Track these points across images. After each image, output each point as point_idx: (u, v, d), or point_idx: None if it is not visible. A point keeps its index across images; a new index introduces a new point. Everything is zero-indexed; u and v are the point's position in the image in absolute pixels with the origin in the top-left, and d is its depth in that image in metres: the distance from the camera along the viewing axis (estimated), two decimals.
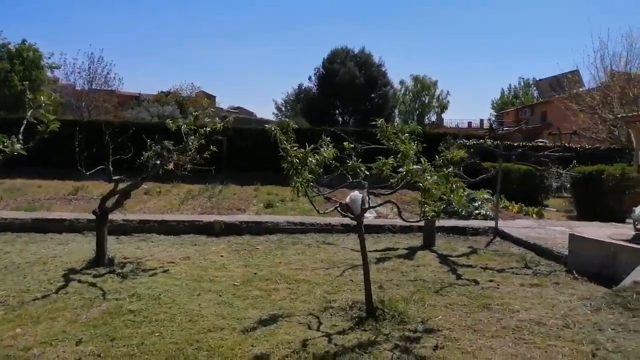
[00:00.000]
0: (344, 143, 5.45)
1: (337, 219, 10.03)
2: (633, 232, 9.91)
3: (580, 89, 24.20)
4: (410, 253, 8.14)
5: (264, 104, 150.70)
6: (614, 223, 11.19)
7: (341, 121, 43.73)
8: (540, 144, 24.14)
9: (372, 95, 44.52)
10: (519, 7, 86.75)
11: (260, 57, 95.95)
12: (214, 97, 45.14)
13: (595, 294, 5.79)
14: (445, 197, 4.36)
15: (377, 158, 4.56)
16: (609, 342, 4.34)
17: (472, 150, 7.73)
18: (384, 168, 4.35)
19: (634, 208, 10.74)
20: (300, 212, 12.43)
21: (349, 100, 43.12)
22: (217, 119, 7.53)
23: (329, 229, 9.83)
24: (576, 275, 6.66)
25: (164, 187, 15.68)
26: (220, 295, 5.59)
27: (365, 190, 4.89)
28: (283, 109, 56.49)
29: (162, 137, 7.17)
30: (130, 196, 7.28)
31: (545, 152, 9.77)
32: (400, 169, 4.33)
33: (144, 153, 6.99)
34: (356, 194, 11.97)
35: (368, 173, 4.58)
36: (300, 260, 7.46)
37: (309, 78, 47.04)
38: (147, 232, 9.18)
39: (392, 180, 4.32)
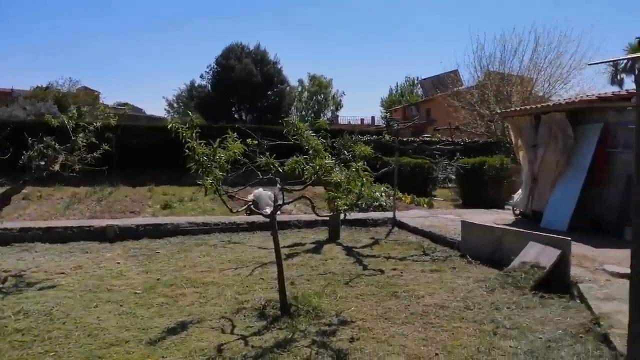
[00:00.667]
0: (248, 139, 5.30)
1: (242, 218, 9.84)
2: (513, 217, 10.98)
3: (461, 87, 26.21)
4: (318, 247, 8.23)
5: (153, 101, 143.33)
6: (495, 209, 12.30)
7: (237, 118, 43.08)
8: (427, 138, 25.84)
9: (269, 92, 44.42)
10: (408, 14, 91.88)
11: (149, 51, 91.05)
12: (98, 92, 41.98)
13: (489, 275, 6.29)
14: (356, 191, 4.43)
15: (286, 157, 4.52)
16: (506, 320, 4.72)
17: (372, 145, 7.98)
18: (296, 166, 4.30)
19: (512, 195, 11.90)
20: (202, 212, 12.02)
21: (245, 97, 42.59)
22: (110, 112, 6.95)
23: (234, 228, 9.60)
24: (470, 259, 7.18)
25: (45, 190, 14.25)
26: (120, 306, 5.18)
27: (278, 187, 4.80)
28: (175, 105, 54.23)
29: (45, 136, 6.46)
30: (10, 202, 6.48)
31: (438, 146, 10.45)
32: (311, 164, 4.31)
33: (24, 153, 6.24)
34: (260, 191, 11.88)
35: (281, 170, 4.50)
36: (206, 262, 7.19)
37: (201, 76, 45.72)
38: (29, 241, 8.26)
39: (306, 175, 4.29)
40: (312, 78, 60.68)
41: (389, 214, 10.71)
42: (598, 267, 6.18)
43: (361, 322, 4.74)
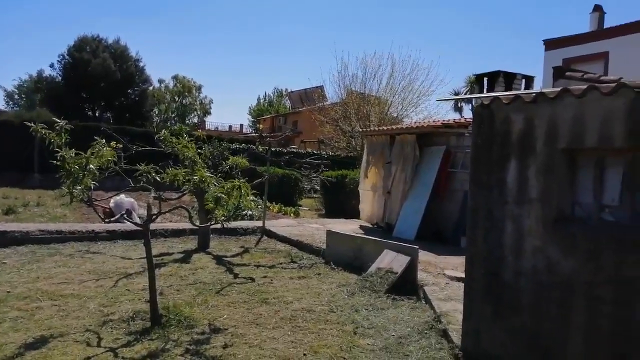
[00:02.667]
0: (112, 142, 5.16)
1: (102, 226, 9.29)
2: (370, 226, 11.98)
3: (326, 103, 27.61)
4: (186, 256, 8.14)
5: None
6: (355, 219, 13.27)
7: (91, 116, 39.82)
8: (294, 149, 26.70)
9: (129, 91, 41.86)
10: (278, 26, 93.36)
11: None
12: None
13: (350, 280, 6.88)
14: (235, 203, 4.61)
15: (154, 161, 4.53)
16: (365, 320, 5.27)
17: (246, 155, 8.21)
18: (176, 177, 4.35)
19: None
20: (52, 219, 11.05)
21: (102, 94, 39.56)
22: None
23: (92, 236, 9.01)
24: (333, 266, 7.75)
25: None
26: None
27: (152, 195, 4.76)
28: (17, 97, 48.25)
29: None
30: None
31: (308, 159, 11.03)
32: (193, 177, 4.40)
33: None
34: (122, 198, 11.28)
35: (159, 179, 4.50)
36: (63, 273, 6.70)
37: (51, 65, 41.35)
38: None
39: (186, 186, 4.36)
40: (176, 78, 58.50)
41: (259, 223, 10.97)
42: (440, 272, 7.14)
43: (233, 329, 4.91)
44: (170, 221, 11.42)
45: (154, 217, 4.69)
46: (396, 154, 11.39)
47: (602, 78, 7.40)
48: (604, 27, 18.06)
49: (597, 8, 18.54)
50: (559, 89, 4.03)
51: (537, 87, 15.15)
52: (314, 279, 7.07)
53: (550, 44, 18.53)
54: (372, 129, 15.24)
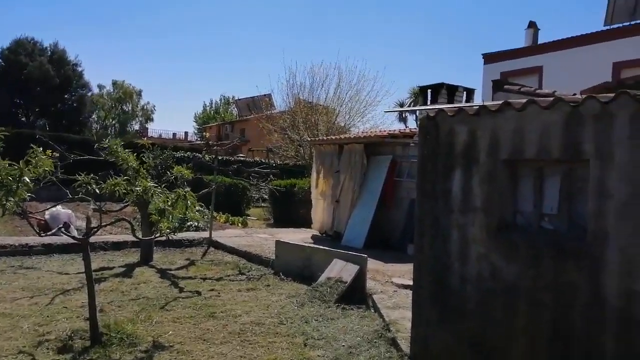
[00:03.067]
0: (47, 151, 4.88)
1: (36, 239, 8.76)
2: (319, 235, 12.00)
3: (274, 111, 27.53)
4: (128, 270, 7.81)
5: None
6: (304, 228, 13.25)
7: (26, 122, 37.69)
8: (241, 158, 26.40)
9: (66, 96, 39.99)
10: (226, 32, 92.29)
11: None
12: None
13: (300, 291, 6.83)
14: (181, 215, 4.47)
15: (94, 170, 4.33)
16: (315, 331, 5.24)
17: (192, 164, 8.00)
18: (117, 188, 4.16)
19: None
20: None
21: (37, 99, 37.55)
22: None
23: (26, 250, 8.49)
24: (282, 276, 7.68)
25: None
26: None
27: (92, 207, 4.53)
28: None
29: None
30: None
31: (256, 168, 10.92)
32: (136, 188, 4.22)
33: None
34: (58, 210, 10.70)
35: (98, 191, 4.29)
36: None
37: None
38: None
39: (128, 199, 4.17)
40: (115, 85, 56.38)
41: (205, 234, 10.72)
42: (387, 280, 7.23)
43: (179, 345, 4.74)
44: (111, 233, 10.95)
45: (94, 230, 4.46)
46: (344, 163, 11.50)
47: (537, 91, 7.80)
48: (538, 42, 19.13)
49: (532, 24, 19.62)
50: (500, 102, 4.20)
51: (477, 99, 15.80)
52: (263, 291, 6.97)
53: (489, 58, 19.41)
54: (320, 138, 15.34)
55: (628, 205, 3.30)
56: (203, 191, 8.97)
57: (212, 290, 6.90)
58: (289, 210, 14.77)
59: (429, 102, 13.70)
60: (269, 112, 27.18)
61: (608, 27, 16.70)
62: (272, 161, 24.29)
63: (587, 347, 3.49)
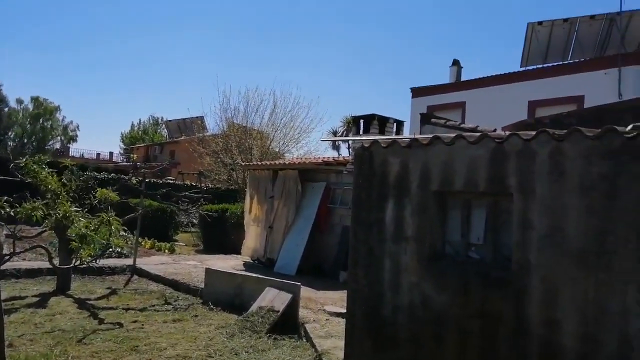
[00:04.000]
0: None
1: None
2: (251, 262, 11.77)
3: (206, 134, 27.02)
4: (43, 300, 7.20)
5: None
6: (235, 255, 12.95)
7: None
8: (170, 181, 25.55)
9: None
10: (150, 52, 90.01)
11: None
12: None
13: (230, 321, 6.61)
14: (103, 241, 4.21)
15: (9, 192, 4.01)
16: None
17: (117, 187, 7.59)
18: (34, 212, 3.86)
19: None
20: None
21: None
22: None
23: None
24: (212, 306, 7.40)
25: None
26: None
27: (4, 233, 4.16)
28: None
29: None
30: None
31: (187, 193, 10.58)
32: (56, 212, 3.93)
33: None
34: None
35: (14, 214, 3.95)
36: None
37: None
38: None
39: (46, 223, 3.87)
40: (35, 101, 52.96)
41: (129, 261, 10.17)
42: (320, 308, 7.19)
43: None
44: (24, 259, 10.10)
45: (6, 258, 4.07)
46: (279, 189, 11.45)
47: (461, 125, 8.24)
48: (462, 79, 20.35)
49: (456, 62, 20.87)
50: (430, 135, 4.37)
51: (406, 130, 16.46)
52: (190, 322, 6.67)
53: (417, 92, 20.35)
54: (255, 162, 15.21)
55: (548, 237, 3.52)
56: (129, 216, 8.53)
57: (135, 321, 6.51)
58: (220, 236, 14.38)
59: (361, 132, 14.06)
60: (201, 135, 26.65)
61: (524, 69, 18.13)
62: (204, 185, 23.73)
63: None
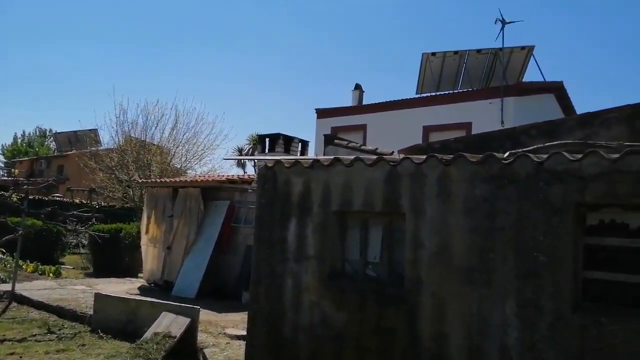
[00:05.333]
0: None
1: None
2: (147, 286, 11.16)
3: (100, 148, 25.42)
4: None
5: None
6: (130, 278, 12.19)
7: None
8: (58, 198, 23.59)
9: None
10: (36, 58, 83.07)
11: None
12: None
13: (121, 350, 6.17)
14: None
15: None
16: None
17: None
18: None
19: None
20: None
21: None
22: None
23: None
24: (102, 334, 6.87)
25: None
26: None
27: None
28: None
29: None
30: None
31: (75, 212, 9.81)
32: None
33: None
34: None
35: None
36: None
37: None
38: None
39: None
40: None
41: (7, 286, 9.15)
42: (220, 332, 6.98)
43: None
44: None
45: None
46: (179, 207, 11.03)
47: (362, 147, 8.59)
48: (363, 103, 21.25)
49: (358, 86, 21.78)
50: (332, 157, 4.51)
51: (311, 150, 16.78)
52: (76, 352, 6.14)
53: (321, 113, 20.89)
54: (153, 180, 14.56)
55: (437, 255, 3.76)
56: (7, 237, 7.71)
57: (12, 354, 5.86)
58: (113, 258, 13.46)
59: (266, 150, 14.10)
60: (94, 149, 25.01)
61: (419, 95, 19.39)
62: (95, 203, 22.22)
63: None
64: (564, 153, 3.41)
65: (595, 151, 3.32)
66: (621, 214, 3.37)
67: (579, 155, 3.34)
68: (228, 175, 12.36)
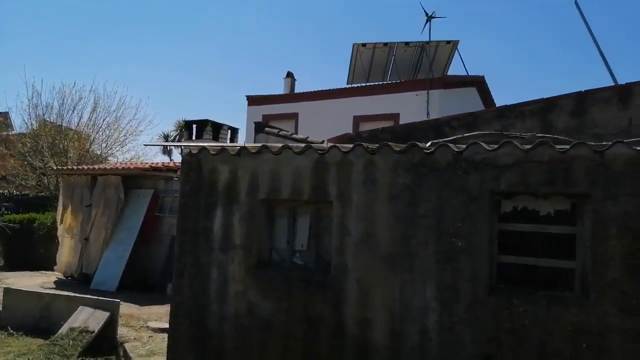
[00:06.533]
0: None
1: None
2: (64, 279, 10.51)
3: (11, 133, 23.52)
4: None
5: None
6: (44, 271, 11.42)
7: None
8: None
9: None
10: None
11: None
12: None
13: (33, 347, 5.78)
14: None
15: None
16: None
17: None
18: None
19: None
20: None
21: None
22: None
23: None
24: (12, 331, 6.39)
25: None
26: None
27: None
28: None
29: None
30: None
31: None
32: None
33: None
34: None
35: None
36: None
37: None
38: None
39: None
40: None
41: None
42: (143, 325, 6.72)
43: None
44: None
45: None
46: (97, 197, 10.44)
47: (293, 135, 8.55)
48: (295, 91, 21.17)
49: (290, 74, 21.64)
50: (260, 144, 4.43)
51: (241, 138, 16.50)
52: None
53: (252, 100, 20.57)
54: (70, 167, 13.65)
55: (363, 242, 3.81)
56: None
57: None
58: (26, 250, 12.52)
59: (194, 137, 13.71)
60: (4, 134, 23.09)
61: (350, 86, 19.63)
62: (6, 191, 20.57)
63: None
64: (482, 143, 3.56)
65: (509, 142, 3.49)
66: (533, 202, 3.58)
67: (495, 146, 3.50)
68: (152, 163, 11.85)
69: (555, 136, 4.35)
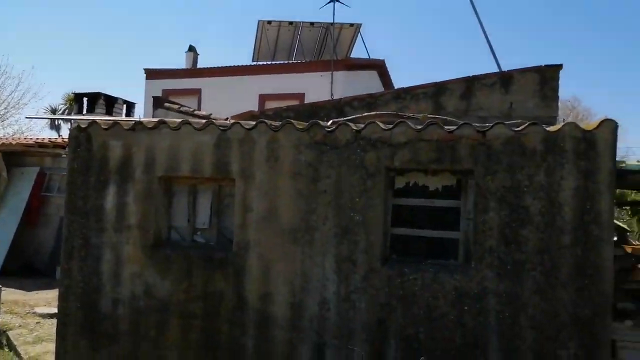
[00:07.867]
0: None
1: None
2: None
3: None
4: None
5: None
6: None
7: None
8: None
9: None
10: None
11: None
12: None
13: None
14: None
15: None
16: None
17: None
18: None
19: None
20: None
21: None
22: None
23: None
24: None
25: None
26: None
27: None
28: None
29: None
30: None
31: None
32: None
33: None
34: None
35: None
36: None
37: None
38: None
39: None
40: None
41: None
42: (29, 311, 6.24)
43: None
44: None
45: None
46: None
47: (195, 112, 8.28)
48: (198, 66, 20.39)
49: (192, 48, 20.77)
50: (157, 119, 4.24)
51: (138, 113, 15.65)
52: None
53: (151, 74, 19.48)
54: None
55: (265, 218, 3.83)
56: None
57: None
58: None
59: (85, 111, 12.75)
60: None
61: (255, 63, 19.34)
62: None
63: (232, 350, 3.84)
64: (378, 123, 3.72)
65: (403, 122, 3.68)
66: (423, 178, 3.82)
67: (390, 125, 3.67)
68: (37, 139, 10.86)
69: (445, 117, 4.67)
